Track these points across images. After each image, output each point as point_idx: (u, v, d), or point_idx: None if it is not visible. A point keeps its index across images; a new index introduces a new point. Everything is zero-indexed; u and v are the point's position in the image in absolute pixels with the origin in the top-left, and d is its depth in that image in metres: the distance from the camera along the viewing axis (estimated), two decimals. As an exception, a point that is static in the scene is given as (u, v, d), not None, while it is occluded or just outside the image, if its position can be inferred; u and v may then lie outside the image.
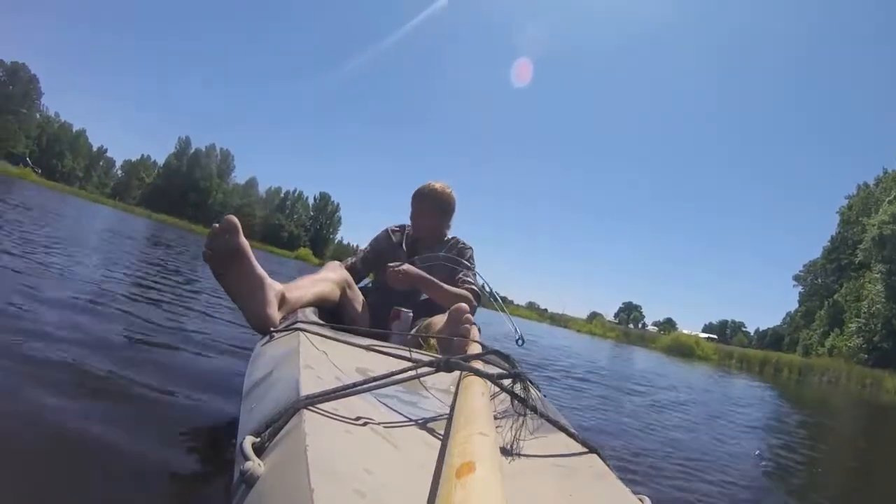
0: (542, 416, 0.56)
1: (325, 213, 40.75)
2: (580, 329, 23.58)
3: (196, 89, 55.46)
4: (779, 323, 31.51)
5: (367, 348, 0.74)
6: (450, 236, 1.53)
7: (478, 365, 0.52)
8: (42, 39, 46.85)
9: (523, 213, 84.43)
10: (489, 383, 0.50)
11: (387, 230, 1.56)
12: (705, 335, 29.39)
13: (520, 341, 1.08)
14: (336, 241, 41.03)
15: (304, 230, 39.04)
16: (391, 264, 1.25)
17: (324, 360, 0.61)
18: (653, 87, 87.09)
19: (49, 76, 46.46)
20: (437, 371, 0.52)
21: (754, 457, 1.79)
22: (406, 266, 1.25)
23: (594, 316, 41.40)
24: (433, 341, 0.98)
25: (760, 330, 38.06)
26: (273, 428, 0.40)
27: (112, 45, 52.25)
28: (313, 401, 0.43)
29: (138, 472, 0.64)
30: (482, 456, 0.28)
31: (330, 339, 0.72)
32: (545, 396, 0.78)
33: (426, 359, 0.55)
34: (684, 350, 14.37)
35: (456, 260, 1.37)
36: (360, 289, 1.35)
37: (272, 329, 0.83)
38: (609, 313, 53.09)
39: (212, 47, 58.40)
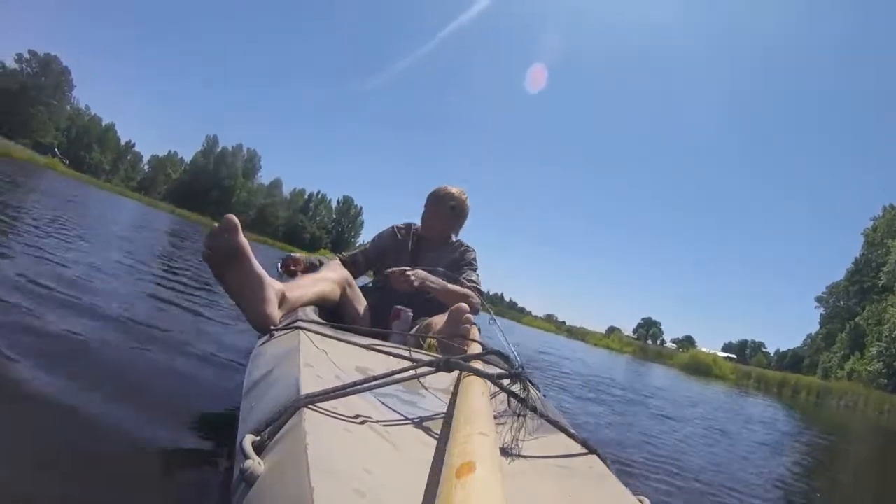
0: (542, 416, 0.56)
1: (347, 217, 41.42)
2: (597, 343, 23.17)
3: (216, 89, 56.21)
4: (799, 345, 30.71)
5: (368, 347, 0.74)
6: (454, 239, 1.54)
7: (478, 365, 0.52)
8: (75, 32, 47.65)
9: (546, 223, 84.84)
10: (489, 383, 0.50)
11: (392, 228, 1.56)
12: (724, 354, 28.35)
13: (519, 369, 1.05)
14: (358, 243, 41.84)
15: (326, 232, 39.47)
16: (394, 269, 1.26)
17: (324, 359, 0.61)
18: (671, 98, 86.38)
19: (80, 68, 47.40)
20: (436, 371, 0.52)
21: (757, 472, 1.77)
22: (407, 270, 1.26)
23: (612, 330, 40.24)
24: (433, 341, 0.98)
25: (780, 351, 37.22)
26: (273, 426, 0.40)
27: (135, 41, 53.05)
28: (313, 399, 0.43)
29: (137, 469, 0.64)
30: (482, 456, 0.28)
31: (330, 338, 0.72)
32: (545, 397, 0.77)
33: (426, 358, 0.55)
34: (701, 368, 14.06)
35: (454, 277, 1.37)
36: (361, 288, 1.36)
37: (272, 328, 0.83)
38: (628, 328, 52.38)
39: (227, 47, 59.22)
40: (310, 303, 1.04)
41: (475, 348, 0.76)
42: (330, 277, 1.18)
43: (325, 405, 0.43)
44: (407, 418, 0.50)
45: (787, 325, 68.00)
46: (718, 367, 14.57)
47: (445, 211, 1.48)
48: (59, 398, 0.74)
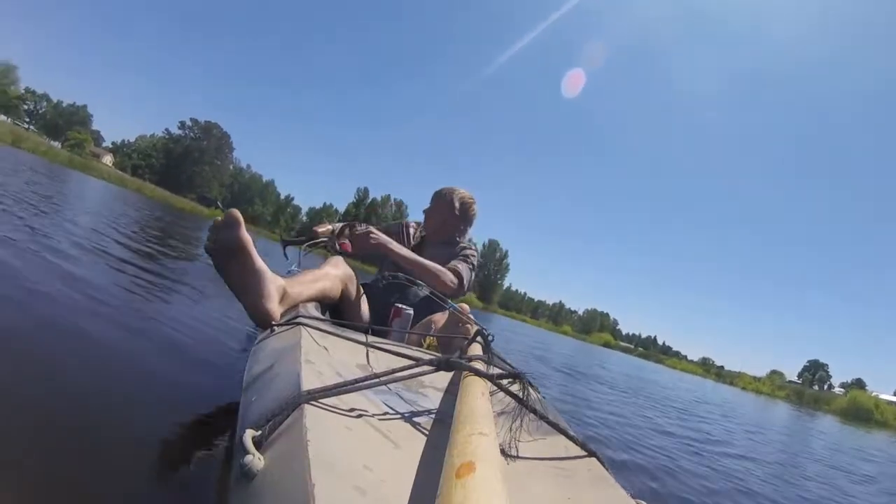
0: (541, 417, 0.56)
1: (493, 260, 42.30)
2: (746, 386, 20.73)
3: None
4: None
5: (368, 345, 0.74)
6: (459, 239, 1.55)
7: (478, 365, 0.52)
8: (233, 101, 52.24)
9: (718, 272, 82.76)
10: (489, 383, 0.50)
11: (398, 226, 1.59)
12: None
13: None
14: (504, 287, 42.67)
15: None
16: (359, 228, 1.28)
17: (325, 355, 0.61)
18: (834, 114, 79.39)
19: (240, 132, 51.48)
20: (437, 370, 0.52)
21: None
22: (373, 229, 1.29)
23: (772, 374, 36.53)
24: (433, 340, 0.98)
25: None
26: (273, 422, 0.40)
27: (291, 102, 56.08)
28: (314, 396, 0.43)
29: (136, 465, 0.64)
30: (482, 456, 0.28)
31: (331, 335, 0.72)
32: (545, 398, 0.78)
33: (427, 357, 0.55)
34: (861, 414, 12.55)
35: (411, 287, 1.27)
36: (363, 285, 1.36)
37: (273, 323, 0.83)
38: (793, 372, 48.93)
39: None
40: (311, 299, 1.04)
41: (476, 348, 0.77)
42: (332, 274, 1.18)
43: (326, 402, 0.43)
44: (407, 416, 0.50)
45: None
46: (880, 412, 12.90)
47: (448, 208, 1.50)
48: (59, 389, 0.75)
